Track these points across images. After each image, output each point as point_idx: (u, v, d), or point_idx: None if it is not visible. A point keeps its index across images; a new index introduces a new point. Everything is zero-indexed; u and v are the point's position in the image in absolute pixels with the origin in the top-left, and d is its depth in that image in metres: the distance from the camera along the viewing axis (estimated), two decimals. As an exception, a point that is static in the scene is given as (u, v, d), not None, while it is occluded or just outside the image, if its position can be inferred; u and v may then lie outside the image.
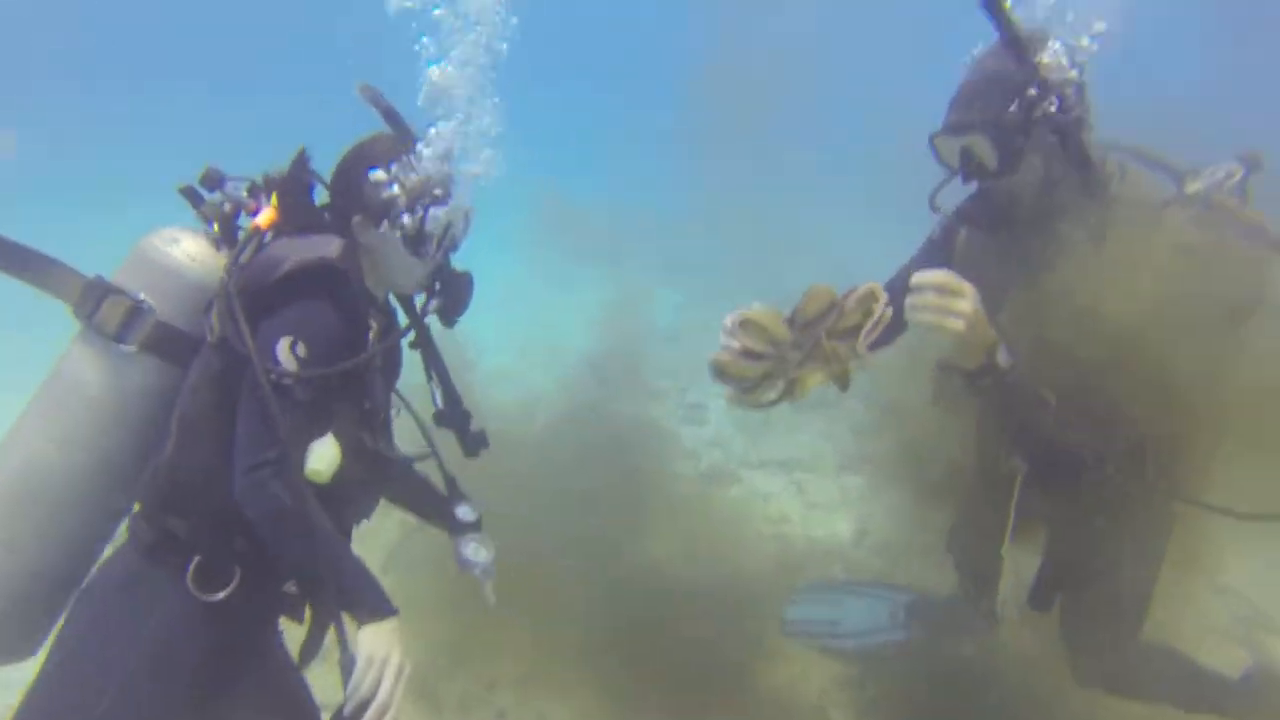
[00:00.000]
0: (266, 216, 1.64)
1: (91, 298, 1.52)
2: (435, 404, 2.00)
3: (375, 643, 1.45)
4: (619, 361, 7.63)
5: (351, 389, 1.63)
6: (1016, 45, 1.56)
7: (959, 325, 1.52)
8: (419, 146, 1.72)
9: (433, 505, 2.05)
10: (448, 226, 1.72)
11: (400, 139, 1.75)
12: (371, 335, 1.67)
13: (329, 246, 1.58)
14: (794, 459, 5.06)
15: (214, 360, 1.52)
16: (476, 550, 1.94)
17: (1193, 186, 1.74)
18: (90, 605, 1.52)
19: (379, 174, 1.66)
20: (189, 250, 1.59)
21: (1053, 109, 1.58)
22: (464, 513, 2.00)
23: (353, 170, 1.71)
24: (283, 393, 1.44)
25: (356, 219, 1.69)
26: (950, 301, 1.52)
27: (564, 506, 3.65)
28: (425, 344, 1.94)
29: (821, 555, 3.86)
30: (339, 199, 1.74)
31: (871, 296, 1.52)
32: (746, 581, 3.42)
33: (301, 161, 1.73)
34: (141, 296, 1.52)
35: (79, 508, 1.53)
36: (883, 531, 3.92)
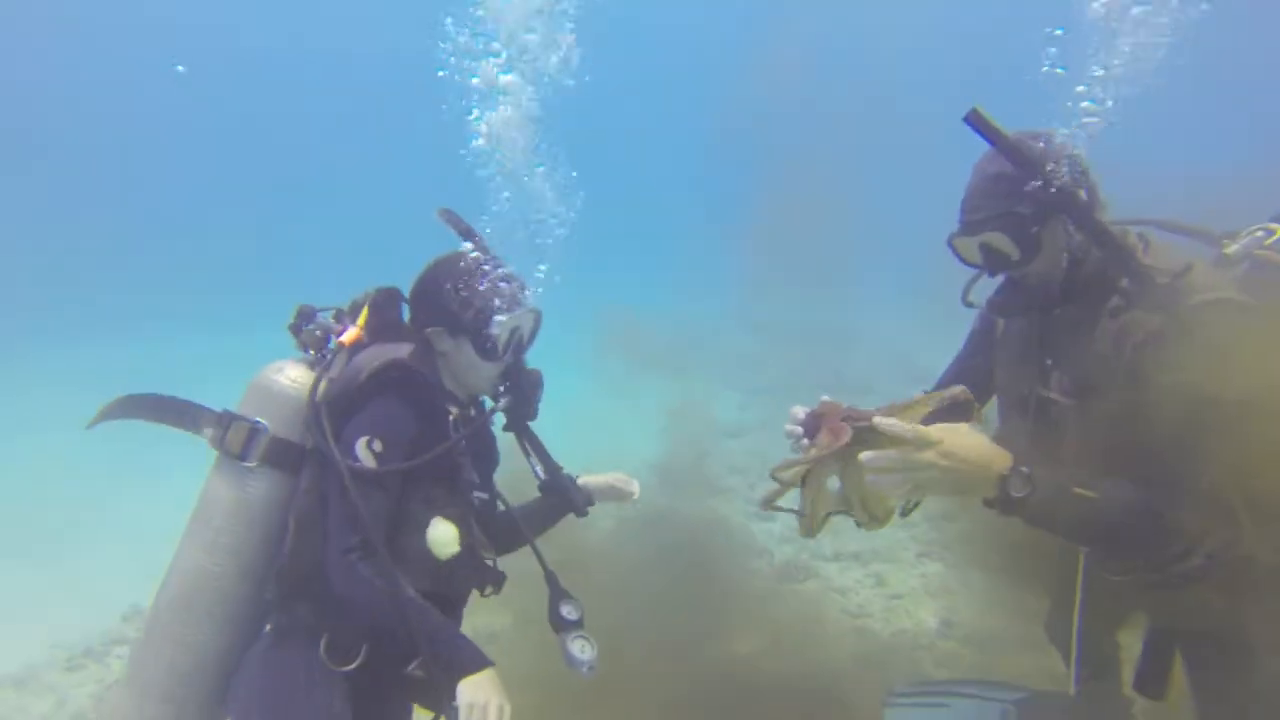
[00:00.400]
0: (350, 335, 1.89)
1: (220, 427, 1.77)
2: (537, 476, 2.16)
3: (475, 692, 1.56)
4: (685, 463, 7.65)
5: (442, 473, 1.80)
6: (1011, 151, 1.60)
7: (929, 476, 1.38)
8: (487, 258, 1.93)
9: (546, 515, 2.20)
10: (514, 330, 1.91)
11: (473, 254, 1.95)
12: (452, 419, 1.85)
13: (400, 350, 1.81)
14: (869, 549, 4.93)
15: (315, 465, 1.73)
16: (583, 648, 1.98)
17: (1231, 248, 1.74)
18: (243, 685, 1.71)
19: (450, 287, 1.88)
20: (292, 375, 1.83)
21: (1059, 194, 1.60)
22: (568, 611, 2.06)
23: (429, 286, 1.94)
24: (364, 485, 1.63)
25: (431, 330, 1.90)
26: (913, 457, 1.36)
27: (640, 609, 3.63)
28: (517, 426, 2.08)
29: (909, 648, 3.71)
30: (417, 313, 1.96)
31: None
32: (833, 679, 3.30)
33: (389, 291, 1.98)
34: (259, 420, 1.76)
35: (232, 603, 1.75)
36: (970, 620, 3.77)
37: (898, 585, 4.43)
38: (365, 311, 1.95)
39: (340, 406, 1.73)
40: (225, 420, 1.77)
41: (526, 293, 1.95)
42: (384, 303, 1.96)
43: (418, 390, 1.78)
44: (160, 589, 1.77)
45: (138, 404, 1.85)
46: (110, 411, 1.84)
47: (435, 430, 1.80)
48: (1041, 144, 1.64)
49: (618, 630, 3.24)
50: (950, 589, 4.17)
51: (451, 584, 1.81)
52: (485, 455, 2.04)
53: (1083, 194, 1.61)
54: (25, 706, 3.90)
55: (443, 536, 1.72)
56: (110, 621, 4.68)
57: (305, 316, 1.95)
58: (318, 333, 1.92)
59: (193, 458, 1.92)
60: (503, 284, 1.90)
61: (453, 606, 1.86)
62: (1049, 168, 1.59)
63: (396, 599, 1.58)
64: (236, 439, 1.74)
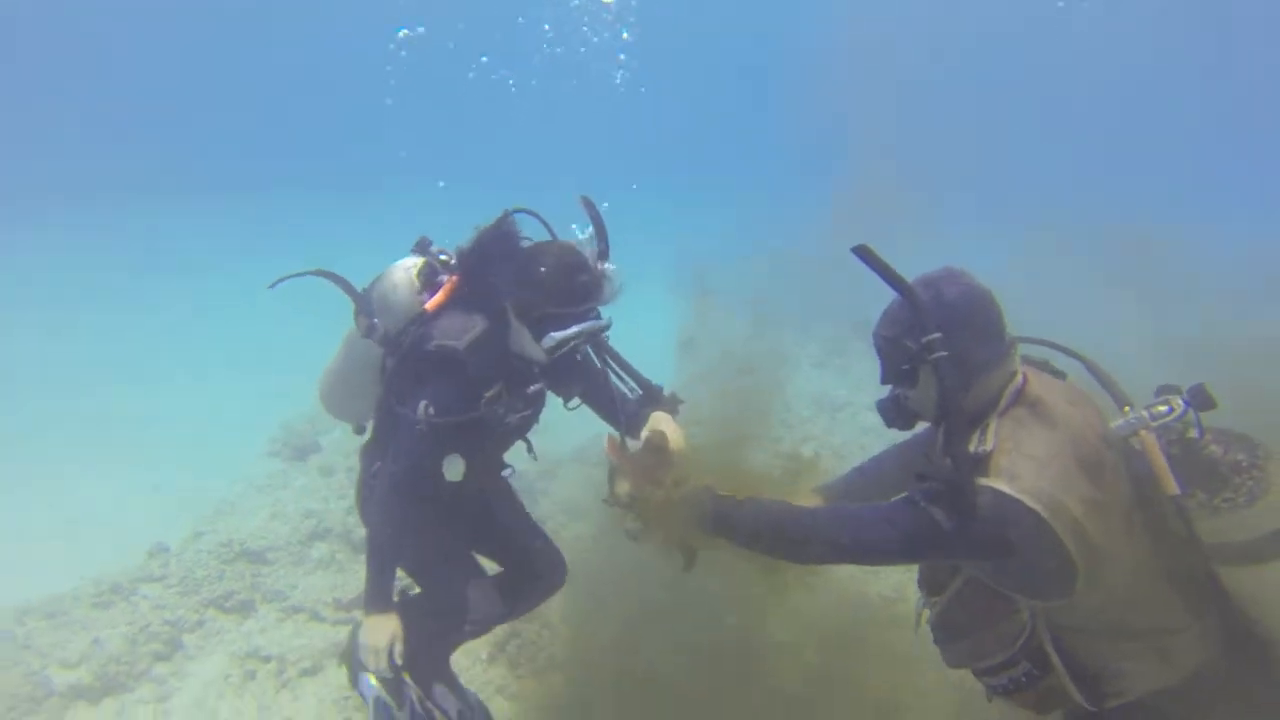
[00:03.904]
0: (437, 299, 2.40)
1: (357, 310, 2.52)
2: (628, 397, 2.55)
3: (370, 633, 2.30)
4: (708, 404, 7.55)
5: (469, 430, 2.37)
6: (897, 286, 1.69)
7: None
8: (586, 262, 2.26)
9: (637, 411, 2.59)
10: (572, 339, 2.25)
11: (574, 254, 2.27)
12: (489, 395, 2.36)
13: (465, 334, 2.30)
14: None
15: (392, 371, 2.46)
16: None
17: (1118, 421, 1.77)
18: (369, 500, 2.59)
19: (541, 275, 2.23)
20: (403, 298, 2.45)
21: (928, 348, 1.66)
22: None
23: (529, 262, 2.26)
24: (415, 437, 2.31)
25: (509, 301, 2.30)
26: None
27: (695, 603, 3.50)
28: (593, 363, 2.52)
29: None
30: (507, 282, 2.30)
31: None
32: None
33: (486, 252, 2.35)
34: (375, 319, 2.46)
35: (356, 385, 2.64)
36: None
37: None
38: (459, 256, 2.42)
39: (413, 360, 2.36)
40: (361, 306, 2.51)
41: (599, 306, 2.29)
42: (474, 266, 2.36)
43: (465, 371, 2.29)
44: (322, 379, 2.73)
45: (327, 275, 2.57)
46: (296, 274, 2.54)
47: (471, 401, 2.34)
48: (930, 294, 1.70)
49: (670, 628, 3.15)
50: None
51: (466, 485, 2.48)
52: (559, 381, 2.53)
53: (944, 355, 1.65)
54: (62, 643, 3.91)
55: (453, 470, 2.43)
56: (136, 558, 4.68)
57: (421, 247, 2.56)
58: (426, 264, 2.48)
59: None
60: (583, 296, 2.23)
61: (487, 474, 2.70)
62: (923, 320, 1.67)
63: (387, 532, 2.35)
64: (364, 323, 2.47)
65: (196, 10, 26.01)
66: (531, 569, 2.80)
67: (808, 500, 2.28)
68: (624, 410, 2.51)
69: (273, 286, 2.63)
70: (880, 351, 1.82)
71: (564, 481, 5.93)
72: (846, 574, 4.13)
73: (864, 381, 7.99)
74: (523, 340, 2.30)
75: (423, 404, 2.27)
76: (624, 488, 1.91)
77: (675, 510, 1.83)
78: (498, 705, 3.49)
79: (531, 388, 2.42)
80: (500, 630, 3.83)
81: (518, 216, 2.36)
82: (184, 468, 5.97)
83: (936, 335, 1.65)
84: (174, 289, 11.27)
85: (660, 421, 2.33)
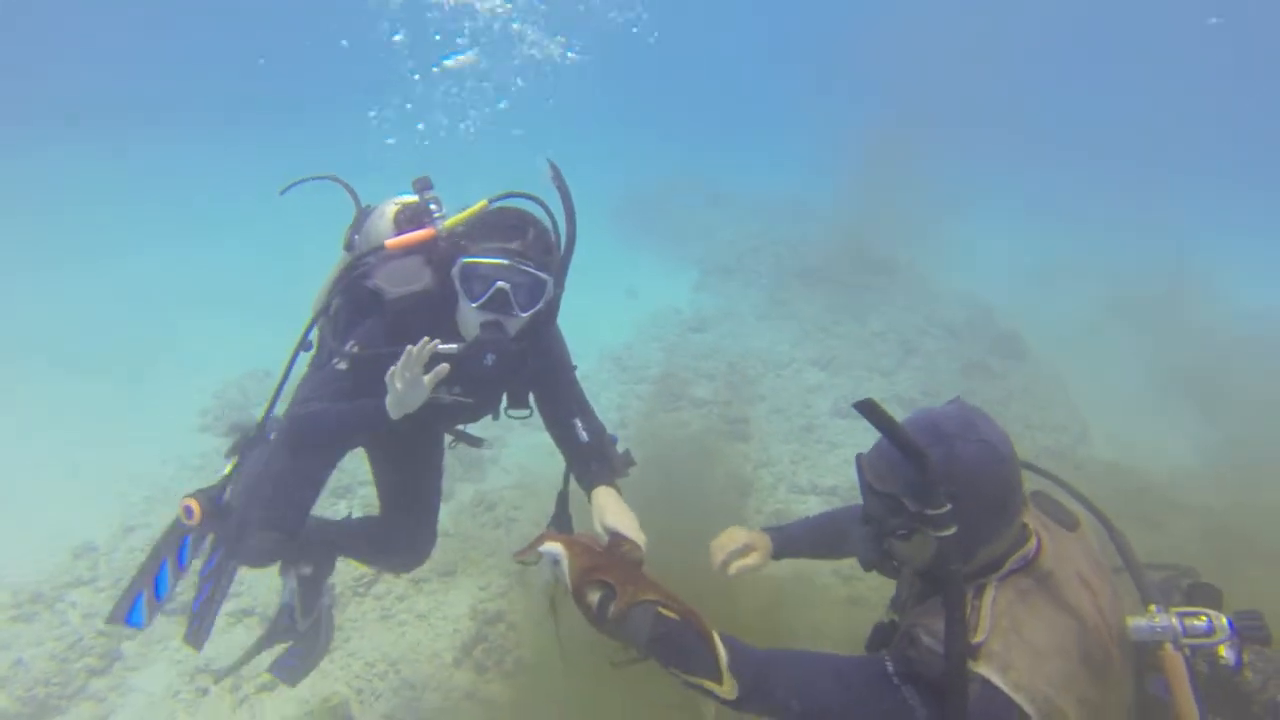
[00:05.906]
0: (412, 236, 2.25)
1: (356, 221, 2.59)
2: (580, 438, 2.32)
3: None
4: (649, 363, 7.47)
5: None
6: (907, 449, 1.40)
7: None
8: (514, 211, 2.17)
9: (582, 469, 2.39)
10: (486, 278, 2.08)
11: (516, 225, 2.13)
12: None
13: (411, 284, 2.18)
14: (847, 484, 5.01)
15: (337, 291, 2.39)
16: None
17: (1138, 621, 1.51)
18: None
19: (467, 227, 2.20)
20: (382, 229, 2.43)
21: (943, 526, 1.40)
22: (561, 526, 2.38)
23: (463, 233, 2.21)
24: (334, 371, 2.18)
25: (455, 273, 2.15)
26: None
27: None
28: (545, 385, 2.40)
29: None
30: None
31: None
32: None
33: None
34: (355, 235, 2.54)
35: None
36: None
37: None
38: (463, 215, 2.23)
39: (352, 290, 2.30)
40: (357, 220, 2.58)
41: (519, 255, 2.07)
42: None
43: (393, 316, 2.16)
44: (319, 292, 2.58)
45: (340, 181, 2.71)
46: (308, 178, 2.66)
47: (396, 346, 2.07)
48: (941, 453, 1.41)
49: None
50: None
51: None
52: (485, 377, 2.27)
53: (952, 529, 1.39)
54: (-22, 665, 3.63)
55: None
56: (60, 558, 4.35)
57: (420, 186, 2.39)
58: (417, 205, 2.38)
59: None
60: (496, 233, 2.10)
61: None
62: (932, 488, 1.38)
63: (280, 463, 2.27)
64: (349, 235, 2.57)
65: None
66: (403, 532, 2.68)
67: (759, 540, 2.12)
68: (574, 448, 2.34)
69: (284, 192, 2.69)
70: (867, 496, 1.56)
71: (515, 448, 5.79)
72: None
73: (807, 336, 8.05)
74: (467, 319, 2.13)
75: (350, 344, 2.16)
76: (595, 596, 1.60)
77: (617, 623, 1.57)
78: (467, 710, 3.45)
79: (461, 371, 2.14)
80: (466, 633, 3.78)
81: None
82: (106, 438, 5.52)
83: (946, 509, 1.39)
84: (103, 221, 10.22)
85: (619, 516, 2.02)
